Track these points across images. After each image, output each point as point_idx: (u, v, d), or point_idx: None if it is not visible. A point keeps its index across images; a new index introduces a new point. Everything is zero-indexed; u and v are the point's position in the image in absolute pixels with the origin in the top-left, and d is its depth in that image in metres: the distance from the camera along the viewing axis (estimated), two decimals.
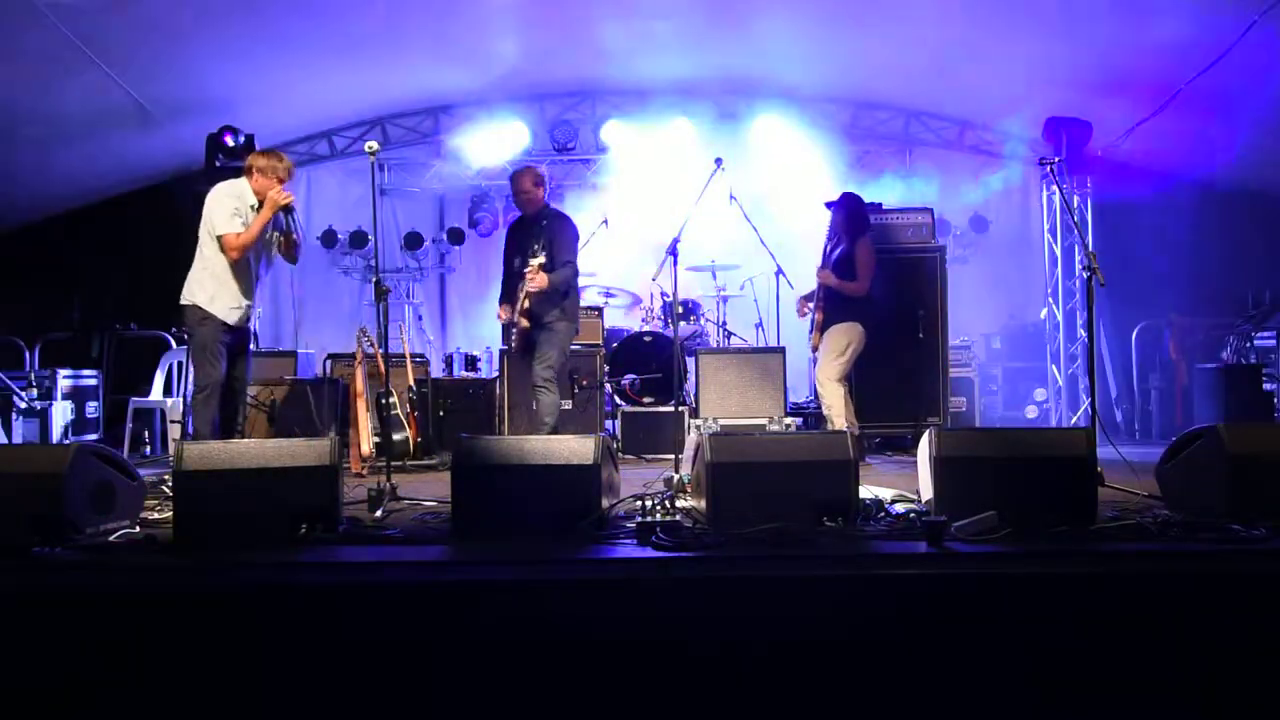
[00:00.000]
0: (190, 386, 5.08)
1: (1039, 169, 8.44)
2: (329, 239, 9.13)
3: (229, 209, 4.93)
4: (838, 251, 6.07)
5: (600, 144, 9.07)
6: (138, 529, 3.59)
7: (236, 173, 7.90)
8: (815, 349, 6.15)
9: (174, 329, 7.93)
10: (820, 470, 3.44)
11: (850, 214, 6.14)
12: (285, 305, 9.19)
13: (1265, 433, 3.63)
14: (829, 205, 6.27)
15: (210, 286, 4.93)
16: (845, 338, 5.96)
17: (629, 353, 7.14)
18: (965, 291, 8.34)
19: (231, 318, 4.97)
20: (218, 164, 7.81)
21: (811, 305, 6.18)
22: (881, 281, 6.21)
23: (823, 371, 5.98)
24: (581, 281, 7.89)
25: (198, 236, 5.00)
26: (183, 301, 4.98)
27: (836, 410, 5.90)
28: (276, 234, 5.11)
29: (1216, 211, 7.82)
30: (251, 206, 4.99)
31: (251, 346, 5.47)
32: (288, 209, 5.00)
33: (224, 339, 4.95)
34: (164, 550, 3.27)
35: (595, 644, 2.78)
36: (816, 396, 6.24)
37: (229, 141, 7.82)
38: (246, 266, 5.02)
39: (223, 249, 4.91)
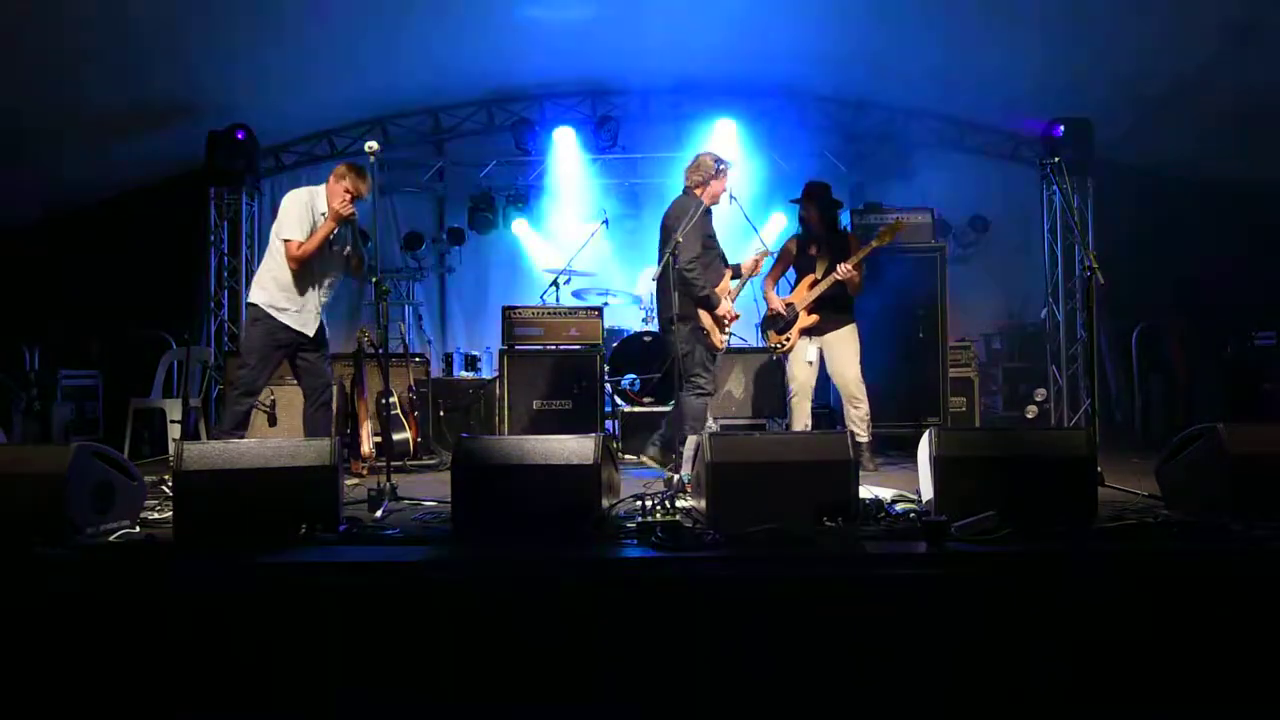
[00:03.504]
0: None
1: (1039, 169, 8.46)
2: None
3: (296, 216, 4.93)
4: (822, 248, 5.81)
5: (600, 144, 9.07)
6: (138, 529, 3.60)
7: (236, 175, 8.02)
8: (786, 352, 5.84)
9: (173, 329, 7.95)
10: (820, 470, 3.44)
11: (825, 205, 5.89)
12: None
13: (1265, 433, 3.62)
14: (794, 201, 6.03)
15: (272, 289, 4.94)
16: (856, 338, 5.83)
17: (629, 353, 7.14)
18: (965, 291, 8.34)
19: (294, 322, 4.95)
20: (219, 162, 7.88)
21: (783, 320, 5.84)
22: (880, 281, 6.19)
23: (857, 372, 5.75)
24: (581, 282, 7.95)
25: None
26: (248, 299, 5.06)
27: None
28: (349, 248, 5.11)
29: (1217, 211, 7.81)
30: (322, 214, 4.98)
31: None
32: (347, 221, 4.98)
33: (281, 342, 4.95)
34: (164, 550, 3.27)
35: (595, 644, 2.78)
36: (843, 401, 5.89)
37: (240, 137, 7.86)
38: (311, 272, 5.00)
39: (287, 256, 4.93)
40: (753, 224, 7.13)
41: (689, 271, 5.11)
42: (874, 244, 5.73)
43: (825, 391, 6.36)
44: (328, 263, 5.09)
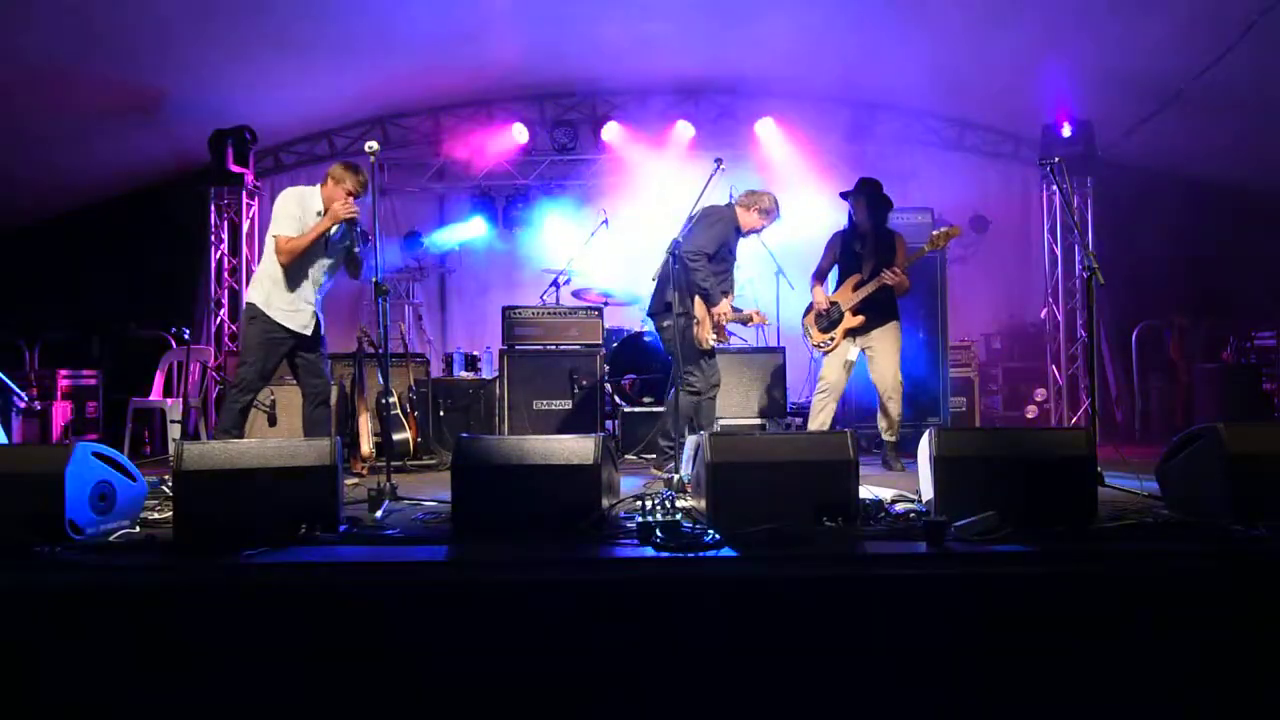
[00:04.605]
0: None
1: (1039, 169, 8.46)
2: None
3: (288, 212, 4.94)
4: (868, 246, 5.70)
5: (600, 144, 9.07)
6: (138, 529, 3.60)
7: (236, 174, 8.03)
8: (828, 350, 5.73)
9: (173, 329, 7.96)
10: (820, 470, 3.44)
11: (877, 201, 5.74)
12: None
13: (1265, 433, 3.62)
14: (845, 195, 5.88)
15: (267, 287, 4.96)
16: (899, 336, 5.70)
17: (629, 353, 7.15)
18: (965, 291, 8.35)
19: (288, 321, 4.96)
20: (220, 161, 7.90)
21: (828, 319, 5.74)
22: None
23: (898, 373, 5.63)
24: (581, 282, 7.95)
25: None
26: (245, 299, 5.08)
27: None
28: (345, 245, 5.10)
29: (1217, 211, 7.82)
30: (317, 213, 4.98)
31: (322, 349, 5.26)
32: (351, 222, 4.98)
33: (277, 341, 4.97)
34: (164, 550, 3.27)
35: (595, 644, 2.78)
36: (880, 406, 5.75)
37: (244, 136, 7.87)
38: (304, 270, 5.00)
39: (276, 250, 4.95)
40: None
41: (693, 261, 5.17)
42: (925, 248, 5.62)
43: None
44: (321, 261, 5.09)
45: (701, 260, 5.23)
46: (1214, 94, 6.97)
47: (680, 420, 5.16)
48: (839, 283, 5.86)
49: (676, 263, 5.00)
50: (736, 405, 6.88)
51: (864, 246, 5.74)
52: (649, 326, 7.47)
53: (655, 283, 5.54)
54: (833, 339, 5.74)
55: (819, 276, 5.92)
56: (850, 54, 7.93)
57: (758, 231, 5.52)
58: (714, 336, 5.36)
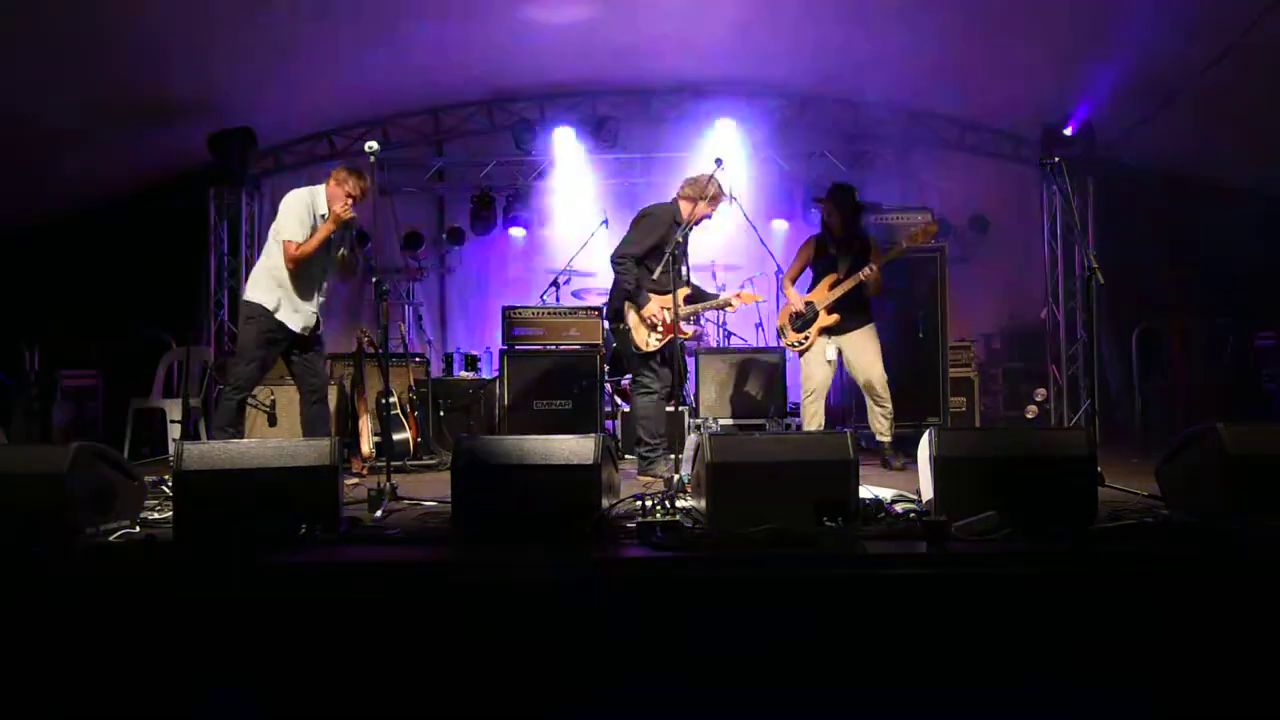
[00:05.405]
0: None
1: (1039, 169, 8.44)
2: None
3: (296, 217, 4.96)
4: (843, 248, 5.76)
5: (600, 144, 9.06)
6: (138, 529, 3.60)
7: (236, 175, 8.02)
8: (804, 350, 5.76)
9: (173, 329, 7.96)
10: (820, 470, 3.44)
11: (850, 206, 5.80)
12: None
13: (1265, 433, 3.61)
14: (817, 200, 6.00)
15: (271, 288, 4.97)
16: (877, 336, 5.76)
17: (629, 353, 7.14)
18: (965, 291, 8.34)
19: (291, 321, 4.99)
20: (220, 162, 7.90)
21: (803, 318, 5.78)
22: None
23: (882, 371, 5.68)
24: (582, 282, 7.95)
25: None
26: (243, 297, 5.07)
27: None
28: (343, 250, 5.13)
29: (1217, 211, 7.81)
30: (322, 216, 5.01)
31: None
32: (347, 225, 5.00)
33: (275, 341, 4.99)
34: (164, 550, 3.27)
35: (594, 644, 2.78)
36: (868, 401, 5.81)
37: (242, 137, 7.89)
38: (309, 272, 5.02)
39: (285, 256, 4.96)
40: (753, 225, 7.16)
41: (618, 264, 5.25)
42: (905, 245, 5.67)
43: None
44: (325, 264, 5.11)
45: (627, 262, 5.23)
46: (1214, 94, 6.96)
47: (649, 422, 5.28)
48: (814, 283, 5.90)
49: (676, 263, 5.02)
50: (736, 405, 6.88)
51: (839, 249, 5.81)
52: None
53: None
54: (807, 337, 5.77)
55: (792, 278, 5.98)
56: (850, 54, 7.91)
57: (709, 217, 5.45)
58: (657, 336, 5.28)
